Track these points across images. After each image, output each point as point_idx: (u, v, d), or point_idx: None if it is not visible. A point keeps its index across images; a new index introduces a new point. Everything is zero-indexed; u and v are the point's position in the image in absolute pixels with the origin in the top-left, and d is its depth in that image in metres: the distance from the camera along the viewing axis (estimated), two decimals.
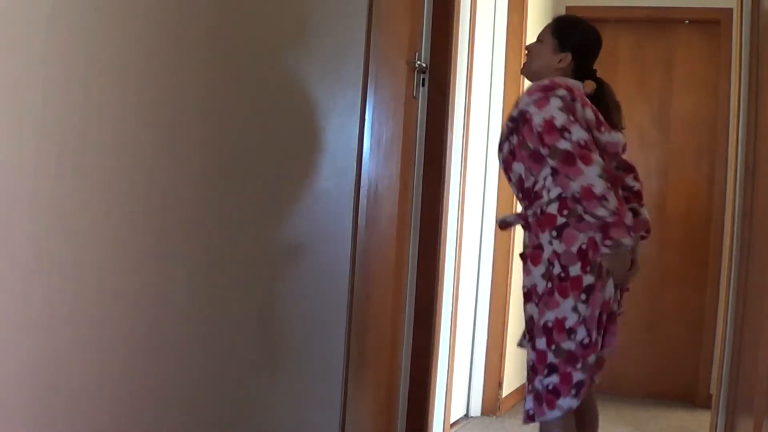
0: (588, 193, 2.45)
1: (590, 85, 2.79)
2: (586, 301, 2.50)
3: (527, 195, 2.63)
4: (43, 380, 1.79)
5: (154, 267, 2.14)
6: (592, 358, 2.52)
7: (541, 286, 2.55)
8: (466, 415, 4.52)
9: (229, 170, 2.46)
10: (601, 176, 2.45)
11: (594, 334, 2.51)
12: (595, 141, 2.57)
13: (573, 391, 2.51)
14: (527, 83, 2.94)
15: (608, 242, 2.47)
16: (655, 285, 5.30)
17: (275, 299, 2.60)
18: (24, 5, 1.69)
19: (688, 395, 5.26)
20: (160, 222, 2.16)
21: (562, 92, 2.56)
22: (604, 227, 2.46)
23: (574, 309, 2.50)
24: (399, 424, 3.41)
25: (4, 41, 1.64)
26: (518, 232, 2.89)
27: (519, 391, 4.89)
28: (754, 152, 3.43)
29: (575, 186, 2.47)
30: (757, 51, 3.47)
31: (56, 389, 1.83)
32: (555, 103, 2.53)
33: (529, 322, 2.61)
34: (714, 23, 5.29)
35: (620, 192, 2.53)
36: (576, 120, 2.52)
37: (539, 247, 2.57)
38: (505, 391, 4.64)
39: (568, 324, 2.51)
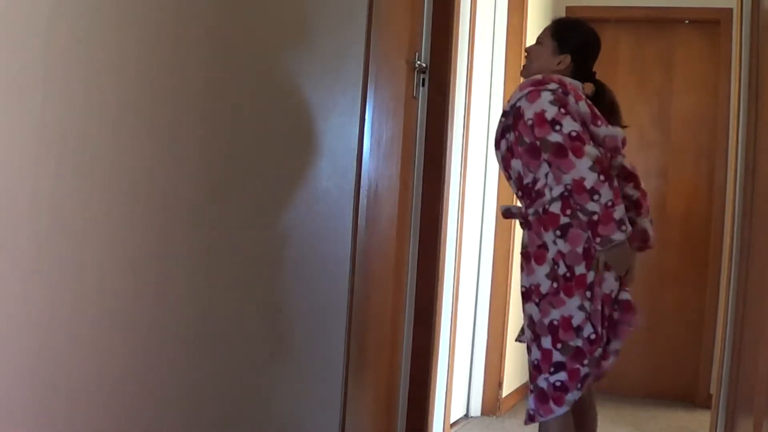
0: (579, 186, 2.45)
1: (589, 87, 2.80)
2: (591, 298, 2.51)
3: (527, 193, 2.63)
4: (43, 380, 1.79)
5: (154, 267, 2.14)
6: (597, 352, 2.52)
7: (546, 285, 2.55)
8: (466, 415, 4.52)
9: (229, 170, 2.46)
10: (592, 168, 2.44)
11: (599, 329, 2.51)
12: (593, 135, 2.56)
13: (578, 385, 2.52)
14: None
15: (597, 239, 2.46)
16: (655, 285, 5.30)
17: (275, 299, 2.60)
18: (24, 5, 1.69)
19: (688, 395, 5.26)
20: (160, 222, 2.16)
21: (553, 86, 2.56)
22: (592, 224, 2.46)
23: (581, 307, 2.50)
24: (399, 424, 3.41)
25: (4, 41, 1.64)
26: (518, 231, 2.88)
27: (519, 391, 4.89)
28: (754, 152, 3.43)
29: (567, 179, 2.47)
30: (757, 51, 3.47)
31: (56, 389, 1.83)
32: (546, 96, 2.53)
33: (530, 321, 2.61)
34: (714, 23, 5.29)
35: (615, 182, 2.51)
36: (568, 112, 2.51)
37: (543, 247, 2.56)
38: (505, 391, 4.64)
39: (575, 322, 2.50)
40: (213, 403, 2.42)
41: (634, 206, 2.69)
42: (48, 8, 1.75)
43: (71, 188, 1.84)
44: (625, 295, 2.57)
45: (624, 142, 2.67)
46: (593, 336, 2.50)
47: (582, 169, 2.44)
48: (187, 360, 2.29)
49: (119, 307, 2.01)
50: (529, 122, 2.52)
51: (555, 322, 2.53)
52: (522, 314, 2.69)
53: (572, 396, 2.52)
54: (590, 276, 2.51)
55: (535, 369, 2.58)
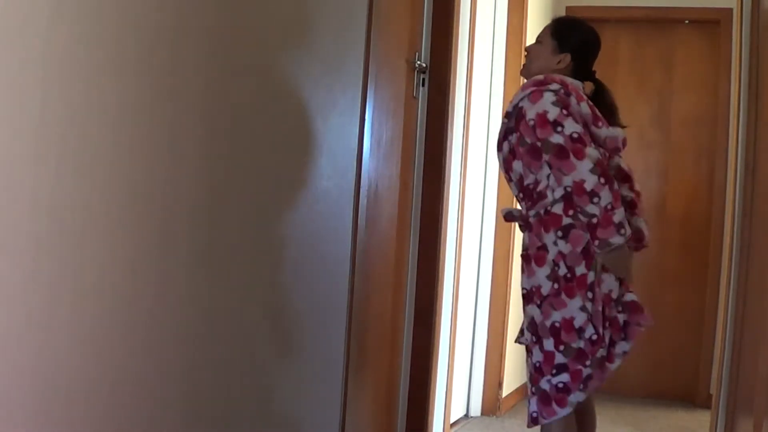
0: (579, 188, 2.45)
1: (589, 86, 2.79)
2: (592, 299, 2.50)
3: (528, 194, 2.62)
4: (43, 380, 1.79)
5: (154, 267, 2.14)
6: (600, 353, 2.52)
7: (547, 287, 2.55)
8: (466, 415, 4.52)
9: (229, 170, 2.46)
10: (593, 171, 2.44)
11: (601, 330, 2.50)
12: (594, 136, 2.56)
13: (581, 386, 2.51)
14: None
15: (596, 242, 2.46)
16: (655, 285, 5.30)
17: (275, 299, 2.60)
18: (24, 5, 1.69)
19: (688, 395, 5.26)
20: (160, 222, 2.16)
21: (555, 86, 2.56)
22: (591, 227, 2.46)
23: (582, 308, 2.50)
24: (399, 424, 3.41)
25: (4, 41, 1.64)
26: (519, 231, 2.88)
27: (519, 391, 4.89)
28: (754, 152, 3.43)
29: (568, 181, 2.46)
30: (757, 51, 3.47)
31: (56, 389, 1.83)
32: (548, 97, 2.53)
33: (531, 323, 2.61)
34: (714, 23, 5.29)
35: (616, 185, 2.51)
36: (569, 114, 2.51)
37: (543, 248, 2.56)
38: (505, 391, 4.64)
39: (577, 323, 2.50)
40: (213, 403, 2.42)
41: (629, 206, 2.69)
42: (48, 8, 1.75)
43: (71, 188, 1.84)
44: (630, 297, 2.57)
45: (624, 143, 2.67)
46: (595, 337, 2.50)
47: (583, 171, 2.44)
48: (186, 360, 2.29)
49: (119, 307, 2.01)
50: (531, 122, 2.51)
51: (557, 324, 2.52)
52: (522, 315, 2.69)
53: (575, 397, 2.52)
54: (591, 276, 2.51)
55: (536, 371, 2.57)
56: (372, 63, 2.67)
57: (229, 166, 2.46)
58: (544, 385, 2.54)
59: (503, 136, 2.67)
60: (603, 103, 2.76)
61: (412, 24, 3.32)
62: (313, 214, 2.61)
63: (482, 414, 4.54)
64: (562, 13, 5.27)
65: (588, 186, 2.43)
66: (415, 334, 3.43)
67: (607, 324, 2.53)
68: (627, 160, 2.78)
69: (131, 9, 2.01)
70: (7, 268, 1.67)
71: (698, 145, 5.40)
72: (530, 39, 3.50)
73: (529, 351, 2.63)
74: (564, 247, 2.52)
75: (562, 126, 2.48)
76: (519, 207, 2.73)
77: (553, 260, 2.54)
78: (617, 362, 2.57)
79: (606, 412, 4.71)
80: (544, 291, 2.55)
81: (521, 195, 2.66)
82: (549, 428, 2.57)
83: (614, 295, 2.55)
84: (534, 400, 2.57)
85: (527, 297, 2.63)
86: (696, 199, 5.38)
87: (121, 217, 2.00)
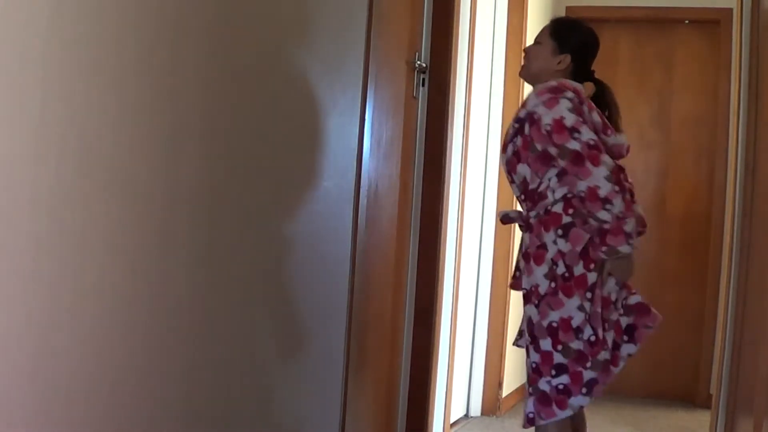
0: (593, 194, 2.45)
1: (590, 87, 2.80)
2: (591, 299, 2.50)
3: (530, 197, 2.62)
4: (43, 380, 1.79)
5: (154, 267, 2.14)
6: (602, 356, 2.51)
7: (544, 286, 2.55)
8: (466, 415, 4.52)
9: (229, 170, 2.46)
10: (607, 178, 2.45)
11: (600, 332, 2.50)
12: (603, 144, 2.58)
13: (584, 390, 2.50)
14: (527, 84, 2.94)
15: (604, 248, 2.47)
16: (655, 285, 5.30)
17: (275, 299, 2.60)
18: (24, 5, 1.69)
19: (688, 395, 5.26)
20: (160, 222, 2.16)
21: (570, 94, 2.57)
22: (602, 232, 2.46)
23: (580, 308, 2.50)
24: (399, 424, 3.41)
25: (4, 41, 1.64)
26: (519, 231, 2.88)
27: (519, 391, 4.89)
28: (754, 152, 3.43)
29: (582, 186, 2.47)
30: (757, 51, 3.47)
31: (56, 389, 1.83)
32: (564, 104, 2.53)
33: (528, 323, 2.60)
34: (714, 23, 5.29)
35: (627, 195, 2.52)
36: (584, 121, 2.53)
37: (543, 247, 2.56)
38: (505, 391, 4.64)
39: (575, 323, 2.50)
40: (213, 403, 2.42)
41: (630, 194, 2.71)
42: (48, 8, 1.75)
43: (71, 188, 1.84)
44: (635, 299, 2.58)
45: (628, 150, 2.70)
46: (593, 338, 2.50)
47: (598, 177, 2.45)
48: (186, 360, 2.29)
49: (119, 307, 2.01)
50: (547, 128, 2.51)
51: (554, 324, 2.52)
52: (522, 315, 2.69)
53: (577, 401, 2.51)
54: (592, 277, 2.51)
55: (534, 372, 2.57)
56: (372, 63, 2.67)
57: (229, 166, 2.46)
58: (544, 386, 2.53)
59: (510, 139, 2.66)
60: (605, 103, 2.76)
61: (412, 24, 3.32)
62: (313, 214, 2.61)
63: (482, 414, 4.54)
64: (562, 13, 5.27)
65: (602, 193, 2.44)
66: (415, 334, 3.43)
67: (606, 326, 2.52)
68: (627, 159, 2.79)
69: (131, 9, 2.01)
70: (7, 268, 1.67)
71: (698, 145, 5.40)
72: (530, 39, 3.50)
73: (528, 352, 2.63)
74: (564, 246, 2.53)
75: (579, 132, 2.49)
76: (519, 208, 2.73)
77: (552, 259, 2.54)
78: (621, 365, 2.57)
79: (606, 412, 4.72)
80: (542, 290, 2.55)
81: (523, 197, 2.67)
82: (545, 429, 2.56)
83: (614, 298, 2.55)
84: (531, 400, 2.56)
85: (526, 297, 2.63)
86: (696, 199, 5.38)
87: (121, 217, 2.00)
